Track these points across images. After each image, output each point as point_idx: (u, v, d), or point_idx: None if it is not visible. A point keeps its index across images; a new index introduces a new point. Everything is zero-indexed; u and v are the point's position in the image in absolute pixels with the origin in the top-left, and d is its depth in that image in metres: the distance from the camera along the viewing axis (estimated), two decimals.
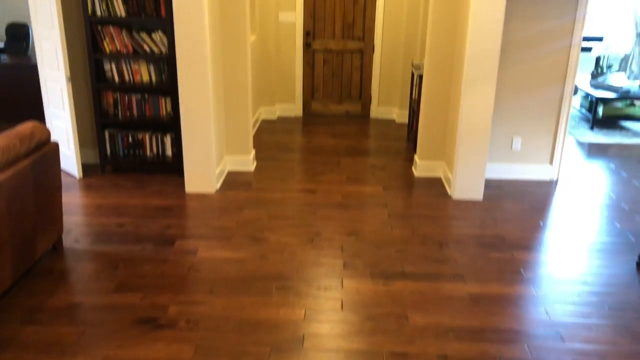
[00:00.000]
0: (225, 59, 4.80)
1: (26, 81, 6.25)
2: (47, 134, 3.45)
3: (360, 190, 4.75)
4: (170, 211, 4.26)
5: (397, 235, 3.93)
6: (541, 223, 4.19)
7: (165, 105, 4.88)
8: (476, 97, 4.33)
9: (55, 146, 3.50)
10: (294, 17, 6.66)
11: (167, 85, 4.77)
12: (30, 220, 3.20)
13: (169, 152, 4.98)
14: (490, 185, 4.80)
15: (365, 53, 6.83)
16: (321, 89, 7.01)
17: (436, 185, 4.86)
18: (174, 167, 4.94)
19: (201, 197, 4.52)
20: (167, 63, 4.72)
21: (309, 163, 5.40)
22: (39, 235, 3.32)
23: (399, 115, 6.85)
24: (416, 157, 5.14)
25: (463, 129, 4.41)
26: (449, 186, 4.71)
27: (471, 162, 4.49)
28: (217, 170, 4.71)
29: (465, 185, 4.55)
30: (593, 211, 4.43)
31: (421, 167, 5.08)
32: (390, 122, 6.86)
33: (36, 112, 6.21)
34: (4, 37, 7.40)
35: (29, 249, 3.22)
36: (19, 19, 7.35)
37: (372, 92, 6.96)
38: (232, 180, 4.89)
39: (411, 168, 5.28)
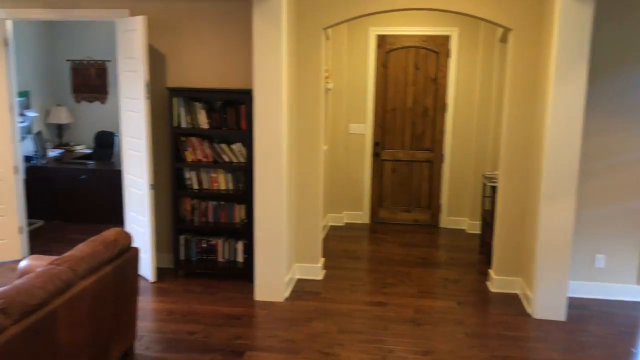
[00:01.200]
0: (299, 168, 4.94)
1: (109, 185, 6.61)
2: (130, 240, 3.57)
3: (433, 304, 4.57)
4: (239, 320, 4.22)
5: (475, 357, 3.70)
6: (633, 349, 3.85)
7: (239, 213, 5.00)
8: (555, 212, 4.20)
9: (136, 252, 3.60)
10: (364, 128, 6.85)
11: (243, 194, 4.91)
12: (107, 326, 3.24)
13: (240, 258, 5.03)
14: (574, 305, 4.52)
15: (434, 163, 6.86)
16: (389, 197, 7.03)
17: (514, 303, 4.63)
18: (244, 273, 4.96)
19: (270, 306, 4.48)
20: (244, 173, 4.89)
21: (377, 273, 5.30)
22: (113, 342, 3.33)
23: (470, 225, 6.72)
24: (491, 272, 4.95)
25: (542, 245, 4.25)
26: (529, 304, 4.46)
27: (552, 280, 4.27)
28: (287, 279, 4.69)
29: (546, 304, 4.30)
30: None
31: (497, 283, 4.87)
32: (460, 232, 6.73)
33: (116, 214, 6.50)
34: (92, 144, 7.96)
35: (104, 355, 3.23)
36: (106, 128, 7.93)
37: (441, 201, 6.91)
38: (301, 289, 4.84)
39: (486, 282, 5.07)
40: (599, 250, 4.70)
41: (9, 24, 5.18)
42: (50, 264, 2.97)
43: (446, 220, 6.93)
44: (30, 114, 7.18)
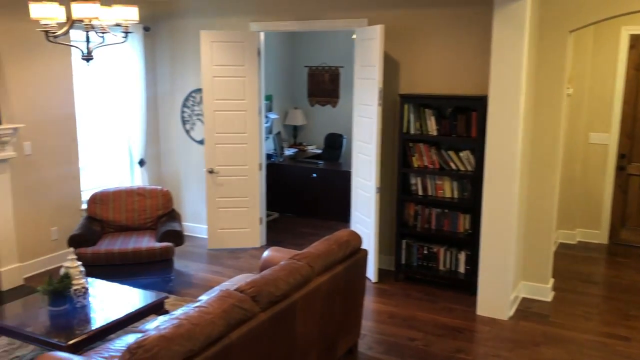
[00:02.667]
0: (532, 178, 4.63)
1: (336, 184, 6.99)
2: (360, 241, 3.71)
3: None
4: (460, 333, 4.11)
5: None
6: None
7: (464, 222, 4.88)
8: None
9: (365, 253, 3.73)
10: (608, 138, 6.16)
11: (469, 203, 4.78)
12: (336, 322, 3.41)
13: (461, 269, 4.91)
14: None
15: None
16: (634, 216, 6.22)
17: None
18: (465, 284, 4.83)
19: (492, 322, 4.28)
20: (471, 181, 4.76)
21: (618, 302, 4.73)
22: (340, 338, 3.50)
23: None
24: None
25: None
26: None
27: None
28: (512, 296, 4.44)
29: None
30: None
31: None
32: None
33: (341, 212, 6.85)
34: (322, 145, 8.51)
35: (331, 350, 3.41)
36: (335, 130, 8.41)
37: None
38: (526, 309, 4.54)
39: None
40: None
41: (262, 36, 5.77)
42: (292, 258, 3.23)
43: None
44: (272, 115, 7.93)
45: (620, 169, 6.20)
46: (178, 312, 2.59)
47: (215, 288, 3.86)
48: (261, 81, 5.82)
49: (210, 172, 5.78)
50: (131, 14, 3.39)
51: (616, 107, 6.09)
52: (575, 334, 4.11)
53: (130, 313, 3.48)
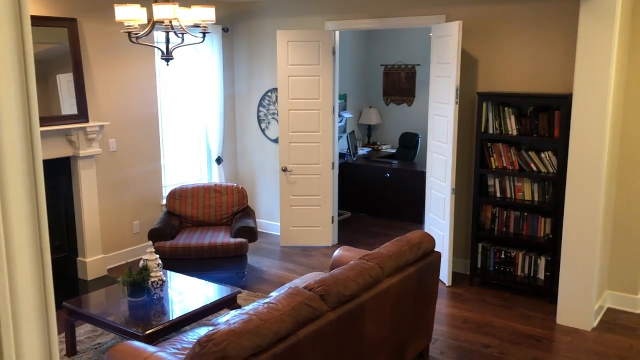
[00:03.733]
0: (620, 181, 4.35)
1: (410, 185, 6.88)
2: (433, 243, 3.62)
3: None
4: (538, 342, 3.93)
5: None
6: None
7: (544, 226, 4.65)
8: None
9: (438, 256, 3.64)
10: None
11: (550, 207, 4.56)
12: (406, 325, 3.34)
13: (541, 275, 4.68)
14: None
15: None
16: None
17: None
18: (544, 291, 4.61)
19: (573, 333, 4.06)
20: (552, 184, 4.53)
21: None
22: (411, 341, 3.43)
23: None
24: None
25: None
26: None
27: None
28: (596, 306, 4.19)
29: None
30: None
31: None
32: None
33: (415, 213, 6.74)
34: (397, 144, 8.40)
35: (401, 353, 3.34)
36: (410, 129, 8.27)
37: None
38: (612, 320, 4.27)
39: None
40: None
41: (337, 35, 5.76)
42: (362, 258, 3.19)
43: None
44: (346, 114, 7.91)
45: None
46: (249, 307, 2.62)
47: (286, 285, 3.89)
48: (336, 80, 5.82)
49: (284, 170, 5.84)
50: (209, 14, 3.47)
51: None
52: None
53: (204, 306, 3.57)
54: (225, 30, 6.20)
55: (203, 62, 6.08)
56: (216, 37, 6.05)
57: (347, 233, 6.45)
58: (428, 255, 3.55)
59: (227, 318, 3.23)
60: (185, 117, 6.21)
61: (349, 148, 7.73)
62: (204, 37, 3.57)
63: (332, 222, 6.05)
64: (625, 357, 3.73)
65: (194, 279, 4.01)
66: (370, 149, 8.35)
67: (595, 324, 4.18)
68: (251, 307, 2.58)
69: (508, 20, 4.76)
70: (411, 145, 8.19)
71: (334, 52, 5.72)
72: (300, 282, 3.78)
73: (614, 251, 4.45)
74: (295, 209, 5.93)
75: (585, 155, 3.98)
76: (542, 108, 4.56)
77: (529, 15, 4.65)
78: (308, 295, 2.65)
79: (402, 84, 8.57)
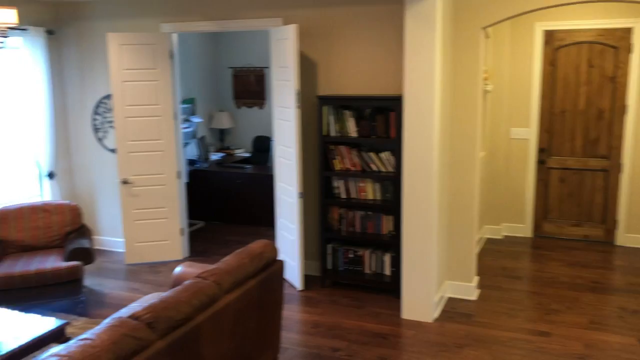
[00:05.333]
0: (452, 177, 4.60)
1: (265, 189, 6.80)
2: (275, 252, 3.54)
3: (607, 339, 3.97)
4: (384, 339, 4.01)
5: None
6: None
7: (387, 224, 4.79)
8: None
9: (281, 265, 3.56)
10: (528, 133, 6.25)
11: (391, 205, 4.70)
12: (250, 339, 3.23)
13: (387, 271, 4.82)
14: None
15: (610, 172, 6.05)
16: (556, 209, 6.35)
17: None
18: (391, 287, 4.75)
19: (418, 326, 4.21)
20: (392, 183, 4.68)
21: (541, 296, 4.77)
22: (258, 355, 3.31)
23: None
24: None
25: None
26: None
27: None
28: (436, 298, 4.39)
29: None
30: None
31: None
32: None
33: (271, 218, 6.67)
34: (251, 149, 8.29)
35: None
36: (263, 132, 8.21)
37: (618, 216, 6.07)
38: (452, 309, 4.50)
39: None
40: None
41: (174, 37, 5.50)
42: (198, 277, 3.01)
43: (624, 238, 6.08)
44: (195, 119, 7.64)
45: (540, 162, 6.31)
46: (60, 347, 2.33)
47: (122, 310, 3.59)
48: (176, 85, 5.55)
49: (125, 182, 5.46)
50: (9, 16, 3.08)
51: (534, 103, 6.19)
52: (499, 333, 4.09)
53: (20, 347, 3.17)
54: (50, 33, 5.65)
55: (25, 69, 5.48)
56: (39, 40, 5.49)
57: (200, 244, 6.22)
58: (271, 265, 3.46)
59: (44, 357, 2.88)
60: (9, 130, 5.57)
61: (200, 154, 7.46)
62: (3, 42, 3.17)
63: (182, 234, 5.77)
64: (463, 345, 3.93)
65: (11, 311, 3.56)
66: (224, 154, 8.14)
67: (436, 315, 4.38)
68: (63, 346, 2.30)
69: (344, 24, 4.82)
70: (265, 148, 8.12)
71: (172, 56, 5.45)
72: (138, 305, 3.51)
73: (451, 243, 4.69)
74: (140, 223, 5.57)
75: (418, 154, 4.14)
76: (379, 110, 4.69)
77: (363, 19, 4.75)
78: (132, 326, 2.42)
79: (252, 87, 8.46)
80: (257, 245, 3.48)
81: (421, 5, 3.95)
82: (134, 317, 2.53)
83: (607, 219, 6.15)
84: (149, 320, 2.50)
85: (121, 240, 5.83)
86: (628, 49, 5.78)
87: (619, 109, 5.93)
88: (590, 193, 6.19)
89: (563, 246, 6.09)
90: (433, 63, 4.00)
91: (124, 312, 2.94)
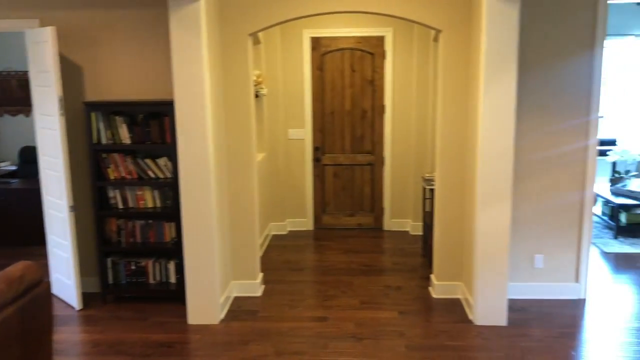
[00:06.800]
0: (231, 180, 4.71)
1: (36, 204, 6.20)
2: (40, 274, 3.26)
3: (375, 316, 4.44)
4: (170, 348, 3.97)
5: None
6: (573, 353, 3.82)
7: (169, 231, 4.73)
8: (492, 216, 4.12)
9: (47, 287, 3.30)
10: (304, 133, 6.67)
11: (172, 211, 4.65)
12: None
13: (172, 279, 4.76)
14: (515, 308, 4.47)
15: (375, 166, 6.75)
16: (332, 202, 6.88)
17: (456, 309, 4.54)
18: (177, 295, 4.70)
19: (204, 329, 4.24)
20: (172, 188, 4.63)
21: (320, 284, 5.13)
22: None
23: (414, 227, 6.64)
24: (433, 278, 4.85)
25: (480, 250, 4.17)
26: (470, 310, 4.38)
27: (491, 284, 4.20)
28: (222, 299, 4.46)
29: (487, 309, 4.23)
30: (625, 336, 4.05)
31: (439, 289, 4.78)
32: (404, 235, 6.64)
33: (42, 237, 6.11)
34: (18, 161, 7.50)
35: None
36: (32, 142, 7.49)
37: (384, 204, 6.80)
38: (238, 308, 4.62)
39: (428, 288, 4.97)
40: (538, 250, 4.67)
41: None
42: None
43: (390, 223, 6.84)
44: None
45: (316, 160, 6.77)
46: None
47: None
48: None
49: None
50: None
51: (307, 105, 6.62)
52: (281, 324, 4.31)
53: None
54: None
55: None
56: None
57: None
58: (34, 287, 3.18)
59: None
60: None
61: None
62: None
63: None
64: (248, 341, 4.06)
65: None
66: None
67: (222, 316, 4.45)
68: None
69: (109, 27, 4.62)
70: (33, 159, 7.40)
71: None
72: None
73: (234, 244, 4.80)
74: None
75: (193, 159, 4.16)
76: (153, 115, 4.60)
77: (129, 22, 4.61)
78: None
79: (15, 93, 7.66)
80: (16, 268, 3.17)
81: (185, 10, 3.96)
82: None
83: (376, 207, 6.85)
84: None
85: None
86: (383, 55, 6.50)
87: (379, 108, 6.63)
88: (360, 185, 6.83)
89: (340, 235, 6.63)
90: (201, 67, 4.05)
91: None
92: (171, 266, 4.75)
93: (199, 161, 4.17)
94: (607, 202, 6.74)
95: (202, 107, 4.10)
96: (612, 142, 8.40)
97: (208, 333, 4.19)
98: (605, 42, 4.39)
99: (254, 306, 4.66)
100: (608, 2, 4.37)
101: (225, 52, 4.55)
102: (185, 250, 4.29)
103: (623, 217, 6.41)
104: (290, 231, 6.83)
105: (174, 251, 4.72)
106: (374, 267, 5.58)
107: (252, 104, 4.71)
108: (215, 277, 4.31)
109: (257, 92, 5.78)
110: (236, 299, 4.80)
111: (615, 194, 6.69)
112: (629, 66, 8.50)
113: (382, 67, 6.53)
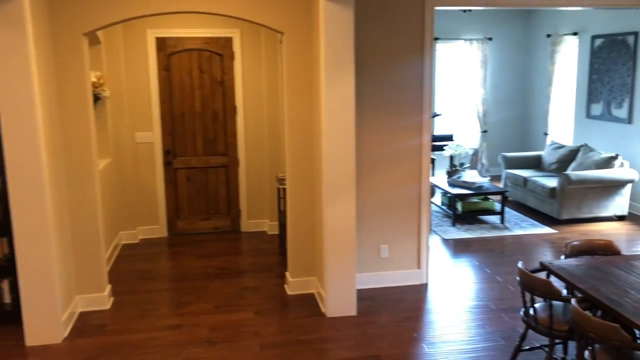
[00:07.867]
0: (71, 189, 4.42)
1: None
2: None
3: (230, 318, 4.42)
4: None
5: None
6: (415, 335, 4.10)
7: (1, 247, 4.32)
8: (338, 211, 4.29)
9: None
10: (152, 136, 6.44)
11: (3, 225, 4.25)
12: None
13: (7, 299, 4.36)
14: (363, 297, 4.70)
15: (230, 168, 6.71)
16: (186, 207, 6.73)
17: (310, 303, 4.67)
18: (13, 315, 4.30)
19: (45, 350, 3.94)
20: (2, 200, 4.23)
21: (173, 292, 5.00)
22: None
23: (271, 227, 6.71)
24: (288, 275, 4.95)
25: (328, 244, 4.33)
26: (323, 303, 4.53)
27: (341, 276, 4.37)
28: (65, 315, 4.17)
29: (338, 301, 4.40)
30: (463, 315, 4.44)
31: (294, 285, 4.88)
32: (262, 235, 6.68)
33: None
34: None
35: None
36: None
37: (240, 206, 6.79)
38: (84, 324, 4.35)
39: (284, 285, 5.06)
40: (383, 241, 4.95)
41: None
42: None
43: (247, 224, 6.84)
44: None
45: (167, 164, 6.58)
46: None
47: None
48: None
49: None
50: None
51: (155, 107, 6.41)
52: (132, 337, 4.13)
53: None
54: None
55: None
56: None
57: None
58: None
59: None
60: None
61: None
62: None
63: None
64: (96, 356, 3.84)
65: None
66: None
67: (66, 333, 4.17)
68: None
69: None
70: None
71: None
72: None
73: (78, 256, 4.51)
74: None
75: (23, 167, 3.85)
76: None
77: None
78: None
79: None
80: None
81: (7, 5, 3.64)
82: None
83: (232, 209, 6.82)
84: None
85: None
86: (231, 56, 6.48)
87: (230, 109, 6.60)
88: (215, 188, 6.76)
89: (196, 240, 6.51)
90: (29, 69, 3.75)
91: None
92: (5, 285, 4.34)
93: (30, 170, 3.85)
94: (445, 192, 7.33)
95: (30, 112, 3.79)
96: (450, 138, 9.15)
97: (49, 354, 3.89)
98: (436, 45, 4.76)
99: (101, 320, 4.42)
100: (434, 8, 4.76)
101: (58, 52, 4.25)
102: (19, 267, 3.95)
103: (459, 206, 7.01)
104: (142, 239, 6.56)
105: (8, 268, 4.31)
106: (230, 269, 5.56)
107: (91, 107, 4.46)
108: (55, 293, 4.02)
109: (97, 94, 5.48)
110: (82, 314, 4.51)
111: (452, 185, 7.30)
112: (460, 68, 9.31)
113: (231, 69, 6.51)
